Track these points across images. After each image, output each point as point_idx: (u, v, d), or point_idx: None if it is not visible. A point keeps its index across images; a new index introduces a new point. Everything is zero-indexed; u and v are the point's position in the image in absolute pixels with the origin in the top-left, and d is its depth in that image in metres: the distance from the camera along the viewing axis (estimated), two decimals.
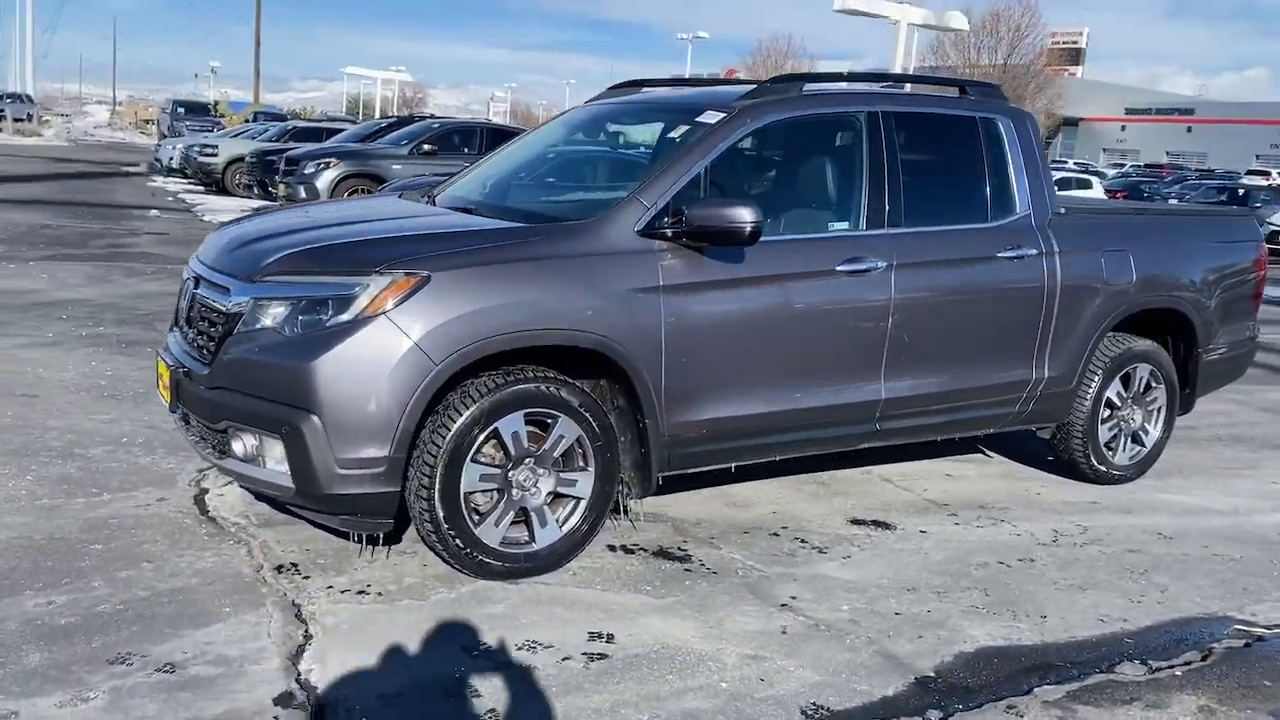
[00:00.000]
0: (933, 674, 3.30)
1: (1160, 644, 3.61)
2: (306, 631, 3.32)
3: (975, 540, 4.48)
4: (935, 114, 4.83)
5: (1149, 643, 3.61)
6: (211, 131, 30.95)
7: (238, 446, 3.62)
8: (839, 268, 4.24)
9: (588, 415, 3.79)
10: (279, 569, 3.77)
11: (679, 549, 4.18)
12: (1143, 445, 5.43)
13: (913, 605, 3.79)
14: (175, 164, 24.15)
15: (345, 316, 3.45)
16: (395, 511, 3.58)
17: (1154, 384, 5.38)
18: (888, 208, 4.42)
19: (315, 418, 3.41)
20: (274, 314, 3.54)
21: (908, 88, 5.95)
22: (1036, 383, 4.88)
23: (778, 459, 4.44)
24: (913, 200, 4.54)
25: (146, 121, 61.04)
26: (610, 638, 3.40)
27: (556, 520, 3.85)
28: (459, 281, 3.55)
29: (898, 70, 15.24)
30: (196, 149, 22.45)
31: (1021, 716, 3.08)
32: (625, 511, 4.18)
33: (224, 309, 3.68)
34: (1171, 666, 3.44)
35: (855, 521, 4.62)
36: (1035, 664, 3.41)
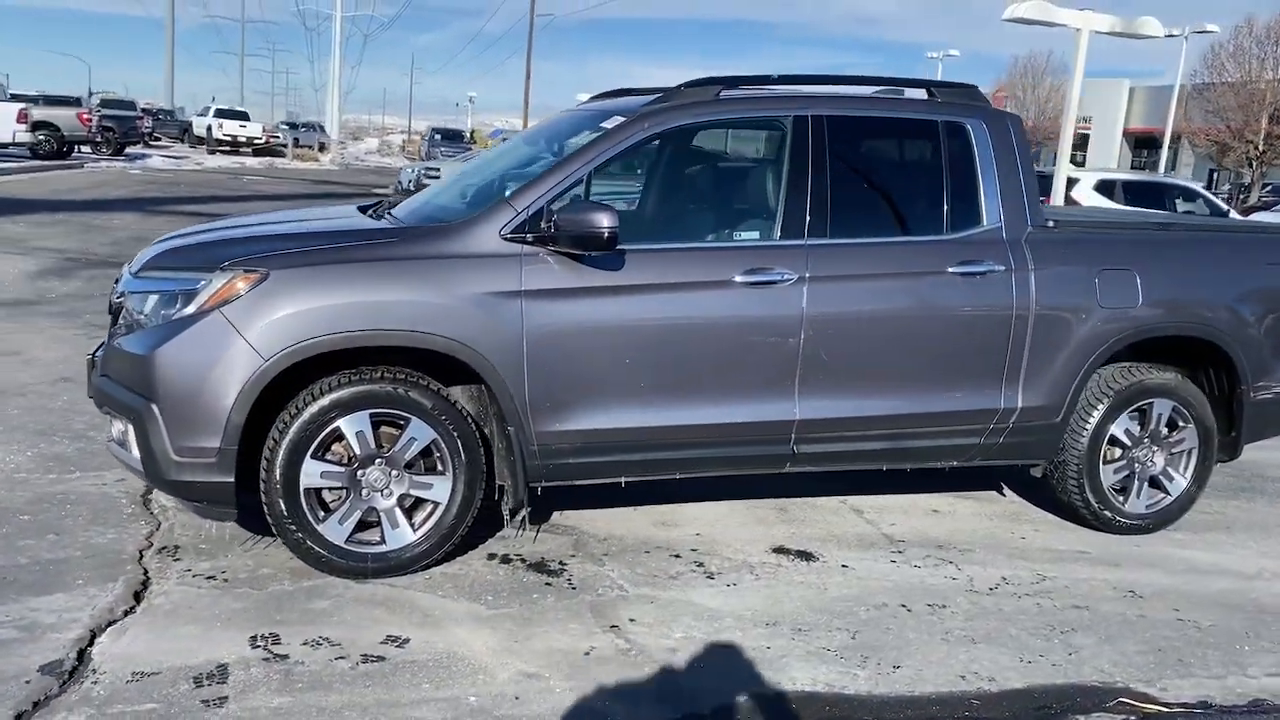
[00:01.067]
0: (707, 712, 3.05)
1: (1011, 711, 3.16)
2: (132, 608, 3.49)
3: (896, 580, 4.10)
4: (884, 118, 4.48)
5: (998, 707, 3.18)
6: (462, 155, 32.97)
7: (113, 430, 3.87)
8: (738, 278, 4.00)
9: (443, 418, 3.78)
10: (162, 549, 3.98)
11: (559, 563, 4.08)
12: (1165, 493, 4.77)
13: (758, 640, 3.52)
14: (412, 185, 25.93)
15: (188, 310, 3.62)
16: (235, 500, 3.69)
17: (1180, 423, 4.72)
18: (809, 217, 4.14)
19: (155, 406, 3.59)
20: (140, 307, 3.77)
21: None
22: (1007, 413, 4.40)
23: (679, 476, 4.23)
24: (843, 210, 4.23)
25: (403, 147, 65.60)
26: (405, 643, 3.37)
27: (413, 524, 3.85)
28: (295, 280, 3.64)
29: (1078, 79, 14.04)
30: (424, 171, 23.98)
31: None
32: (510, 519, 4.11)
33: (112, 302, 3.95)
34: None
35: (778, 550, 4.34)
36: (836, 715, 3.08)
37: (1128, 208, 13.56)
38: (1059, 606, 3.94)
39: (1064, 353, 4.42)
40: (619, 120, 4.08)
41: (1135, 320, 4.50)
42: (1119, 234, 4.80)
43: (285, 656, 3.23)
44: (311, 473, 3.70)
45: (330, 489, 3.77)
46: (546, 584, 3.88)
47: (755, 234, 4.22)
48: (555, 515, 4.55)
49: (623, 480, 4.15)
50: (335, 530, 3.76)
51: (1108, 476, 4.66)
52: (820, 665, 3.37)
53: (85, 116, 29.64)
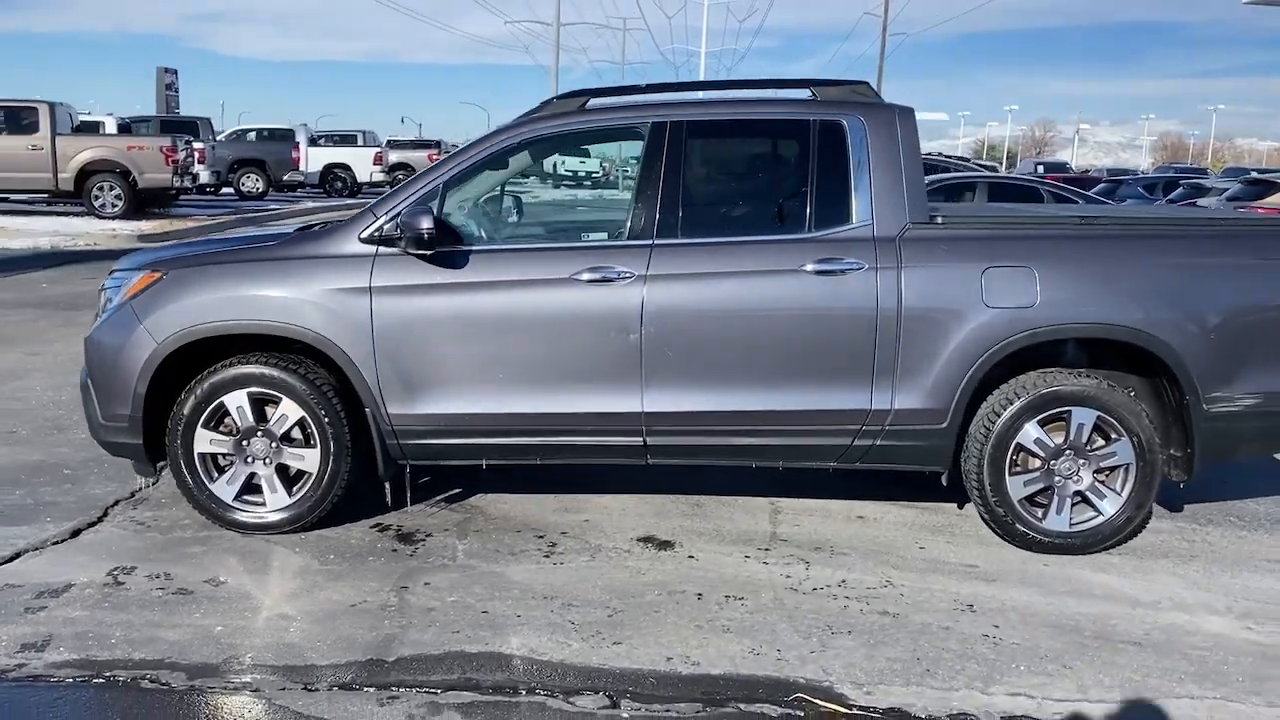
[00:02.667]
0: (390, 660, 3.39)
1: (677, 692, 3.23)
2: (61, 540, 4.36)
3: (723, 573, 4.15)
4: (748, 120, 4.52)
5: (669, 686, 3.25)
6: None
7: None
8: (576, 276, 4.26)
9: (309, 398, 4.37)
10: (127, 499, 4.85)
11: (426, 535, 4.51)
12: (1097, 511, 4.38)
13: (504, 607, 3.78)
14: None
15: (115, 303, 4.48)
16: (146, 458, 4.47)
17: (1111, 436, 4.33)
18: (658, 219, 4.31)
19: (90, 380, 4.47)
20: (101, 301, 4.68)
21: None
22: (880, 415, 4.29)
23: (540, 461, 4.52)
24: (696, 211, 4.36)
25: None
26: (221, 583, 3.97)
27: (290, 490, 4.46)
28: (184, 278, 4.38)
29: None
30: None
31: (375, 698, 3.11)
32: (389, 494, 4.61)
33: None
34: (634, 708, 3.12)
35: (643, 539, 4.51)
36: (503, 677, 3.31)
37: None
38: (865, 611, 3.82)
39: (944, 354, 4.24)
40: (496, 132, 4.49)
41: (1031, 321, 4.21)
42: (1017, 230, 4.47)
43: (121, 584, 3.93)
44: (203, 440, 4.41)
45: (222, 455, 4.45)
46: (393, 550, 4.33)
47: (604, 235, 4.44)
48: (477, 496, 4.97)
49: (483, 462, 4.52)
50: (224, 490, 4.44)
51: (1016, 489, 4.37)
52: (544, 634, 3.57)
53: (434, 156, 33.32)
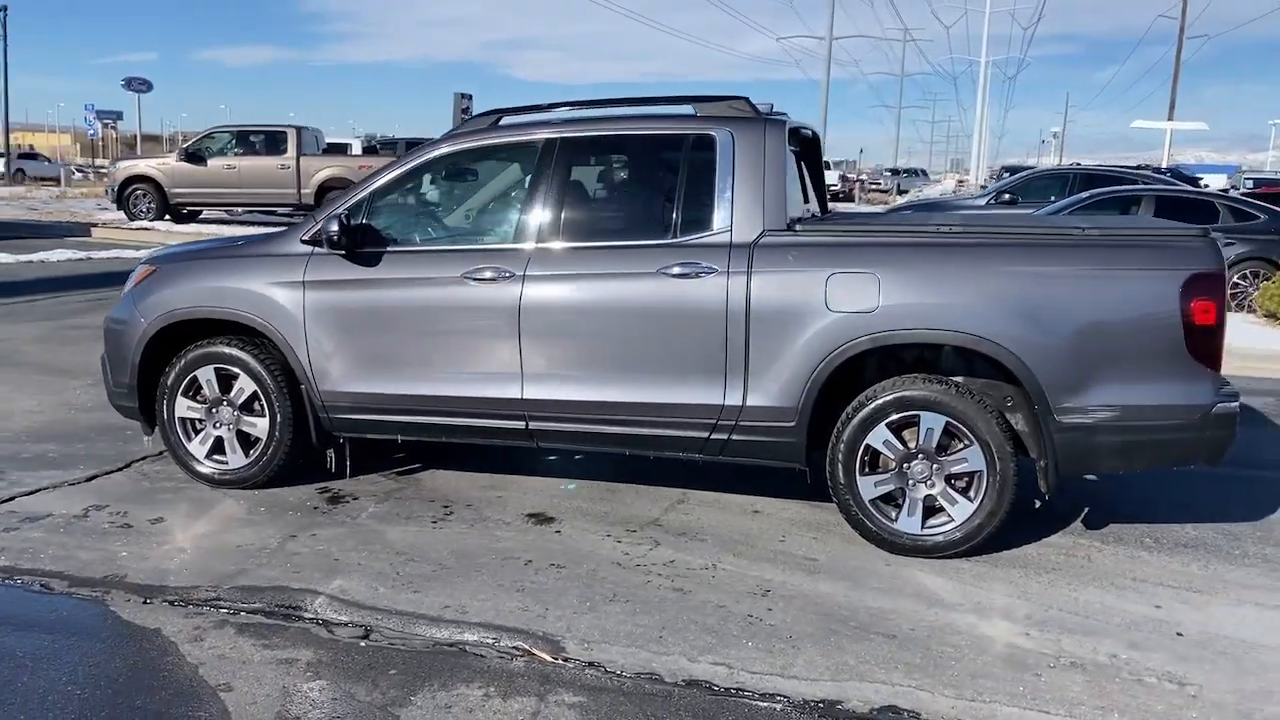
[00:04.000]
0: (225, 590, 4.07)
1: (419, 630, 3.72)
2: (77, 482, 5.37)
3: (569, 547, 4.54)
4: (630, 135, 4.89)
5: (424, 624, 3.74)
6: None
7: None
8: (469, 275, 4.82)
9: (260, 375, 5.16)
10: (155, 456, 5.84)
11: (354, 498, 5.18)
12: (949, 517, 4.46)
13: (357, 557, 4.36)
14: None
15: (125, 290, 5.46)
16: (141, 418, 5.41)
17: (959, 442, 4.41)
18: (543, 225, 4.80)
19: (104, 353, 5.48)
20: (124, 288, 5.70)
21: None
22: (732, 410, 4.57)
23: (444, 440, 5.10)
24: (574, 217, 4.82)
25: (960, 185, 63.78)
26: (159, 521, 4.80)
27: (248, 452, 5.27)
28: (169, 271, 5.29)
29: None
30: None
31: (183, 613, 3.79)
32: (332, 464, 5.33)
33: None
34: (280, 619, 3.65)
35: (530, 515, 4.97)
36: (296, 608, 3.92)
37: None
38: (661, 586, 4.14)
39: (791, 355, 4.47)
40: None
41: (871, 326, 4.37)
42: (865, 238, 4.58)
43: (86, 516, 4.85)
44: (182, 406, 5.30)
45: (197, 420, 5.32)
46: (314, 508, 5.03)
47: (497, 239, 4.96)
48: (428, 471, 5.61)
49: (399, 438, 5.14)
50: (197, 449, 5.31)
51: (867, 489, 4.52)
52: (366, 580, 4.14)
53: None
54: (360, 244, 4.95)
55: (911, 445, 4.44)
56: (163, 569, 4.23)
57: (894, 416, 4.43)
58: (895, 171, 64.62)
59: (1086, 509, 5.19)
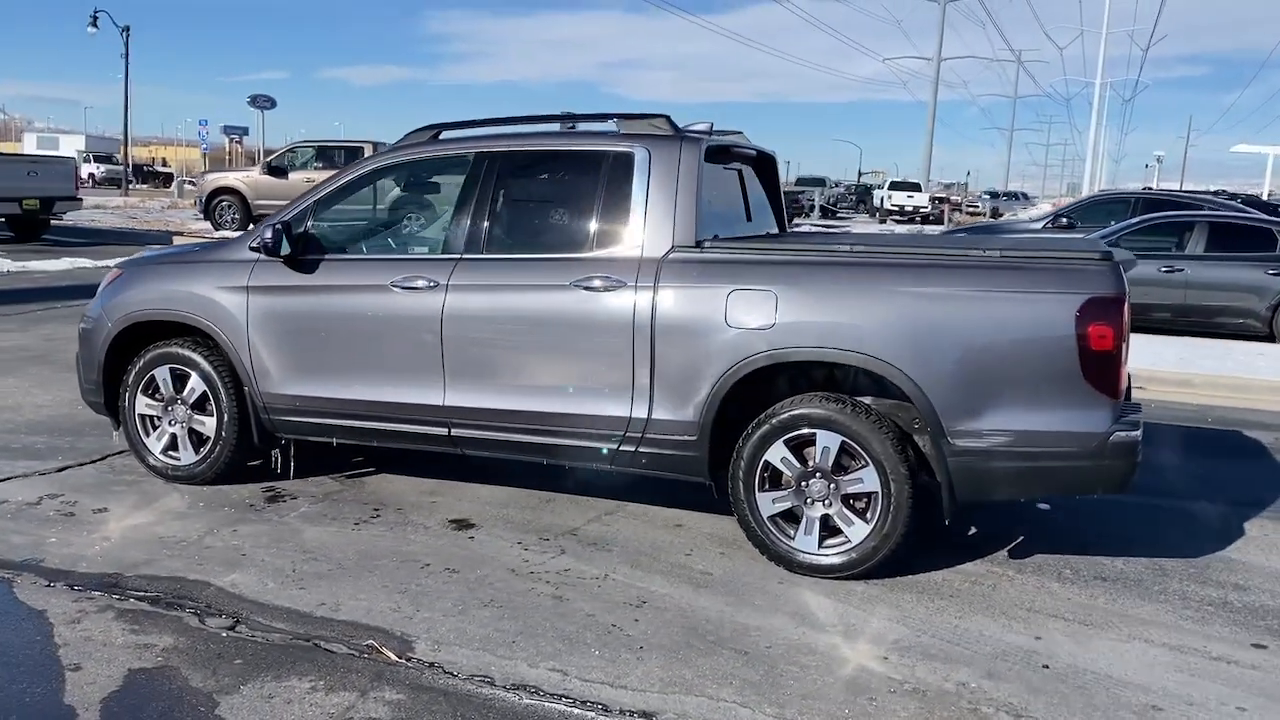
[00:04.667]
0: (129, 573, 4.28)
1: (288, 625, 3.85)
2: (44, 473, 5.68)
3: (475, 553, 4.63)
4: (556, 151, 4.98)
5: (287, 618, 3.88)
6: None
7: None
8: (396, 283, 4.97)
9: (211, 374, 5.40)
10: (129, 450, 6.14)
11: (292, 497, 5.36)
12: (846, 538, 4.43)
13: (263, 554, 4.51)
14: None
15: (96, 293, 5.77)
16: (110, 414, 5.69)
17: (856, 462, 4.37)
18: (467, 236, 4.93)
19: (79, 353, 5.79)
20: None
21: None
22: (638, 423, 4.62)
23: (376, 444, 5.25)
24: (499, 230, 4.94)
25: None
26: (103, 511, 5.05)
27: (198, 449, 5.50)
28: (132, 275, 5.58)
29: None
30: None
31: (71, 596, 4.00)
32: (274, 462, 5.54)
33: None
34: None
35: (452, 521, 5.08)
36: (183, 598, 4.09)
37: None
38: (541, 593, 4.19)
39: (692, 370, 4.50)
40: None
41: (769, 343, 4.38)
42: (767, 256, 4.56)
43: (38, 504, 5.12)
44: (142, 403, 5.56)
45: (155, 416, 5.57)
46: (250, 505, 5.23)
47: (426, 249, 5.10)
48: (379, 476, 5.77)
49: (333, 441, 5.31)
50: (154, 444, 5.57)
51: (766, 506, 4.51)
52: (260, 575, 4.29)
53: None
54: (302, 251, 5.14)
55: (810, 464, 4.41)
56: (80, 555, 4.46)
57: (791, 434, 4.41)
58: (994, 194, 63.37)
59: (1021, 537, 5.07)
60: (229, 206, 21.58)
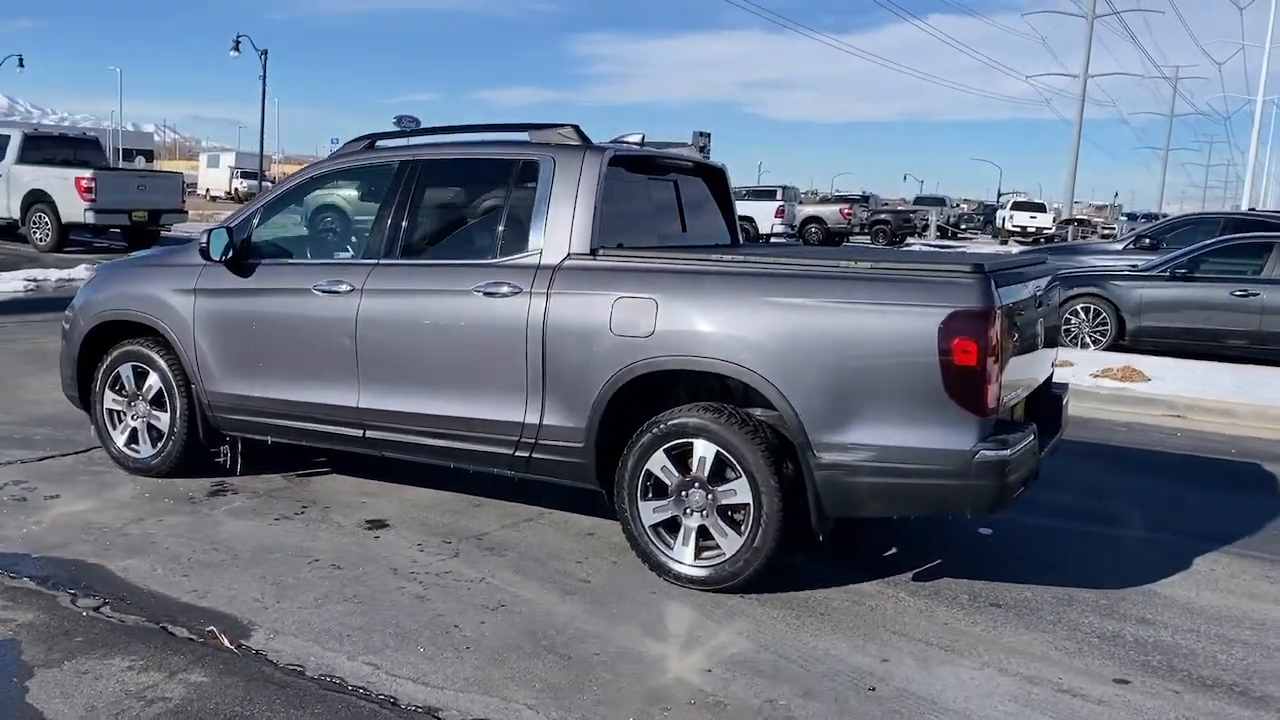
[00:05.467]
0: (17, 553, 4.55)
1: (150, 607, 4.04)
2: (24, 461, 6.08)
3: (373, 552, 4.74)
4: (472, 159, 5.09)
5: (153, 605, 4.07)
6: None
7: None
8: (313, 288, 5.16)
9: (166, 371, 5.68)
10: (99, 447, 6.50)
11: (234, 493, 5.59)
12: (721, 550, 4.38)
13: (171, 542, 4.72)
14: None
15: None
16: (82, 406, 6.05)
17: (732, 473, 4.33)
18: (385, 242, 5.09)
19: (61, 351, 6.18)
20: None
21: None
22: (531, 428, 4.68)
23: (306, 444, 5.43)
24: (418, 236, 5.08)
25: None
26: (55, 498, 5.36)
27: (155, 444, 5.80)
28: (104, 277, 5.93)
29: None
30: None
31: None
32: (226, 460, 5.79)
33: None
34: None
35: (369, 522, 5.20)
36: (72, 581, 4.33)
37: None
38: (409, 593, 4.27)
39: (579, 377, 4.53)
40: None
41: (648, 351, 4.38)
42: (649, 265, 4.54)
43: (4, 487, 5.49)
44: (109, 399, 5.90)
45: (120, 412, 5.89)
46: (190, 499, 5.46)
47: (348, 254, 5.26)
48: (329, 476, 5.96)
49: (269, 439, 5.52)
50: (118, 438, 5.89)
51: (647, 514, 4.50)
52: (153, 562, 4.49)
53: (847, 212, 34.08)
54: (243, 256, 5.37)
55: (690, 473, 4.38)
56: (3, 536, 4.75)
57: (671, 443, 4.39)
58: (1132, 216, 60.97)
59: (939, 560, 4.92)
60: None
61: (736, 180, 27.59)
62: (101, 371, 5.85)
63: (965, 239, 46.29)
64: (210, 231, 5.43)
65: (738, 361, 4.20)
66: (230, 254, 5.30)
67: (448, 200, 5.21)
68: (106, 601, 4.08)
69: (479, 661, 3.67)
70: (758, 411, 4.38)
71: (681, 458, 4.40)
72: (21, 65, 56.19)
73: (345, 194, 5.86)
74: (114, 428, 5.88)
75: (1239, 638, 4.18)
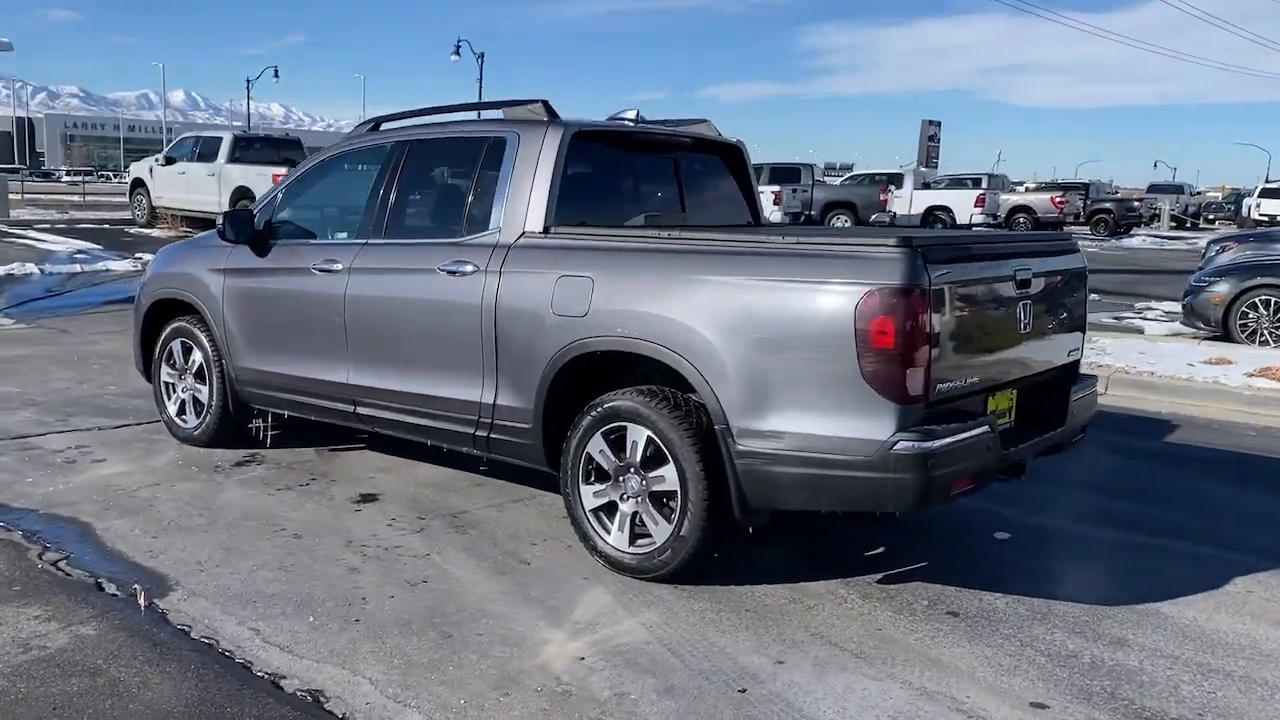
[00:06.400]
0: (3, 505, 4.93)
1: (98, 563, 4.29)
2: (103, 428, 6.61)
3: (340, 524, 4.84)
4: (451, 139, 5.08)
5: (108, 559, 4.32)
6: None
7: None
8: (312, 266, 5.34)
9: (207, 347, 6.03)
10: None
11: (258, 464, 5.85)
12: (652, 538, 4.22)
13: (167, 507, 4.98)
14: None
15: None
16: (148, 379, 6.50)
17: (661, 459, 4.17)
18: (374, 222, 5.20)
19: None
20: None
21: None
22: (487, 408, 4.66)
23: (313, 419, 5.61)
24: (400, 215, 5.16)
25: None
26: (101, 460, 5.81)
27: (199, 416, 6.16)
28: (162, 258, 6.36)
29: None
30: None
31: None
32: (257, 433, 6.07)
33: None
34: None
35: (362, 495, 5.31)
36: (45, 530, 4.66)
37: None
38: (347, 565, 4.33)
39: (526, 357, 4.48)
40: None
41: (581, 330, 4.27)
42: (588, 243, 4.36)
43: (59, 452, 5.97)
44: (164, 373, 6.30)
45: (172, 384, 6.28)
46: (216, 467, 5.76)
47: (346, 234, 5.39)
48: (357, 452, 6.16)
49: (285, 414, 5.74)
50: (171, 409, 6.28)
51: (588, 499, 4.38)
52: (130, 520, 4.75)
53: (1059, 200, 32.16)
54: (265, 236, 5.61)
55: (624, 458, 4.23)
56: (25, 494, 5.15)
57: (608, 426, 4.25)
58: None
59: (925, 563, 4.56)
60: None
61: (969, 167, 26.47)
62: (159, 347, 6.25)
63: (1205, 229, 42.59)
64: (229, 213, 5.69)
65: (659, 341, 4.01)
66: (245, 236, 5.53)
67: (428, 179, 5.25)
68: (67, 557, 4.34)
69: (357, 635, 3.67)
70: (696, 395, 4.17)
71: (619, 442, 4.25)
72: (277, 76, 61.33)
73: (351, 175, 6.01)
74: (168, 399, 6.28)
75: (1224, 668, 3.62)
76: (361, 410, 5.18)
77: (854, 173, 32.13)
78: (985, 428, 3.84)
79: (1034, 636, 3.82)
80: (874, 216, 27.83)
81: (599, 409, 4.25)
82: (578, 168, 4.73)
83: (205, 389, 6.02)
